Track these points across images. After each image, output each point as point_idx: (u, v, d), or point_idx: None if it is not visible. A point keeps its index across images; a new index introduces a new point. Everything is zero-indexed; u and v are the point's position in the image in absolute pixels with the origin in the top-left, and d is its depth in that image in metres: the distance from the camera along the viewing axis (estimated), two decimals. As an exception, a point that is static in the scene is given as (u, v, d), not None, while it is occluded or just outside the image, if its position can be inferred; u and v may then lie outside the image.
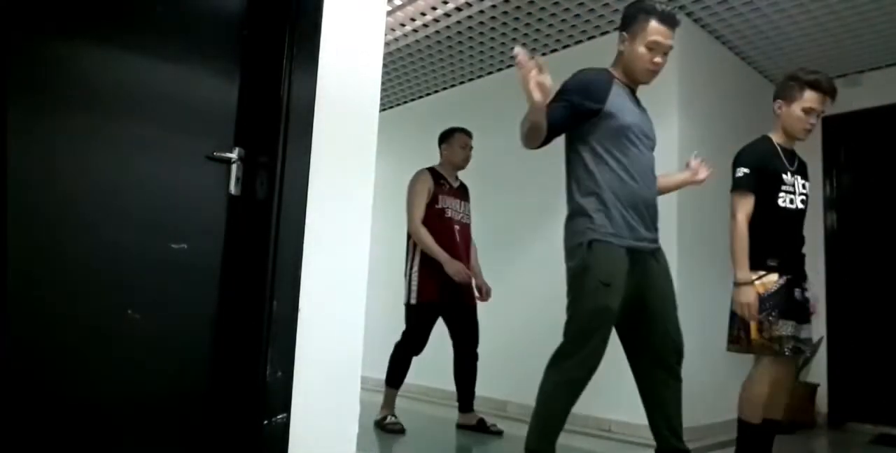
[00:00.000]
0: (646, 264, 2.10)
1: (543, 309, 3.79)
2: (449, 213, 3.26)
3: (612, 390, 3.25)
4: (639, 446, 3.02)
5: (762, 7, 3.28)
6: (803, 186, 2.43)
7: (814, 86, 2.36)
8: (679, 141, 3.35)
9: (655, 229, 2.17)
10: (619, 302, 2.00)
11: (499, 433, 3.13)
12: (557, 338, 3.63)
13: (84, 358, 1.24)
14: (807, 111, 2.36)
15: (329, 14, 1.55)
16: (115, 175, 1.29)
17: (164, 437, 1.35)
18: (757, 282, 2.28)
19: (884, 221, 3.93)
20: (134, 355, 1.30)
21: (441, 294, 3.12)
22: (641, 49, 2.10)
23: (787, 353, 2.29)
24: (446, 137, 3.41)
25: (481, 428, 3.17)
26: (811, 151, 4.18)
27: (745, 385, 2.39)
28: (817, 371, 3.96)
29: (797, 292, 2.33)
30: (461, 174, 3.46)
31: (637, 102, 2.20)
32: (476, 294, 3.28)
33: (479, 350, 3.28)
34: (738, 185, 2.35)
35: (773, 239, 2.33)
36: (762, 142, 2.45)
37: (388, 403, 3.20)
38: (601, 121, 2.06)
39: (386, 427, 3.07)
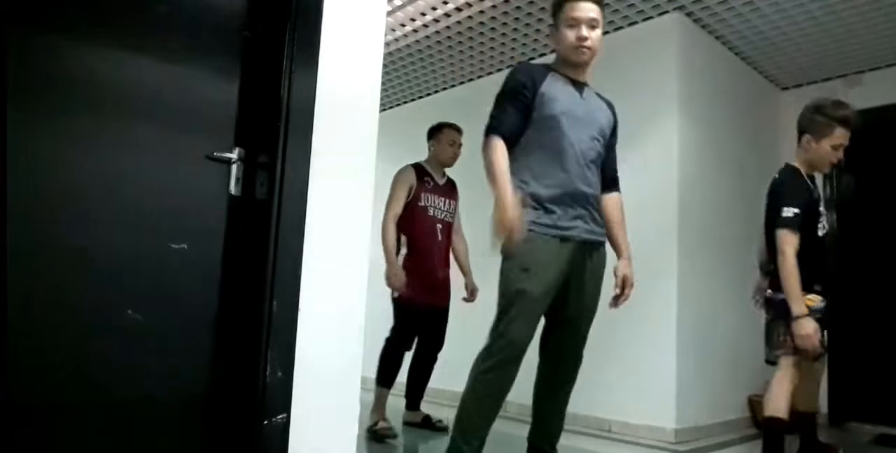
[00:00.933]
0: (578, 257, 2.03)
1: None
2: (431, 211, 3.17)
3: (613, 390, 3.25)
4: (639, 446, 3.02)
5: (762, 7, 3.28)
6: (823, 210, 2.57)
7: (844, 122, 2.37)
8: (679, 141, 3.35)
9: (594, 221, 2.08)
10: (542, 288, 1.96)
11: (444, 429, 3.09)
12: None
13: (84, 358, 1.24)
14: (836, 148, 2.39)
15: (329, 14, 1.55)
16: (115, 175, 1.29)
17: (164, 437, 1.35)
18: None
19: (884, 222, 3.93)
20: (134, 355, 1.30)
21: (416, 292, 3.06)
22: (565, 30, 2.09)
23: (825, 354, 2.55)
24: (434, 133, 3.32)
25: (427, 424, 3.20)
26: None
27: (771, 385, 2.46)
28: (822, 370, 3.95)
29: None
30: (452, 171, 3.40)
31: (580, 92, 2.12)
32: (467, 295, 3.29)
33: (476, 350, 3.28)
34: (788, 225, 2.34)
35: (817, 266, 2.46)
36: (798, 179, 2.44)
37: (380, 406, 2.99)
38: (534, 110, 2.05)
39: (378, 433, 2.78)
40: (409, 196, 3.14)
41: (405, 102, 5.12)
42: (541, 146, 2.04)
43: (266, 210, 1.43)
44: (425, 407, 3.36)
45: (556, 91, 2.06)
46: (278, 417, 1.38)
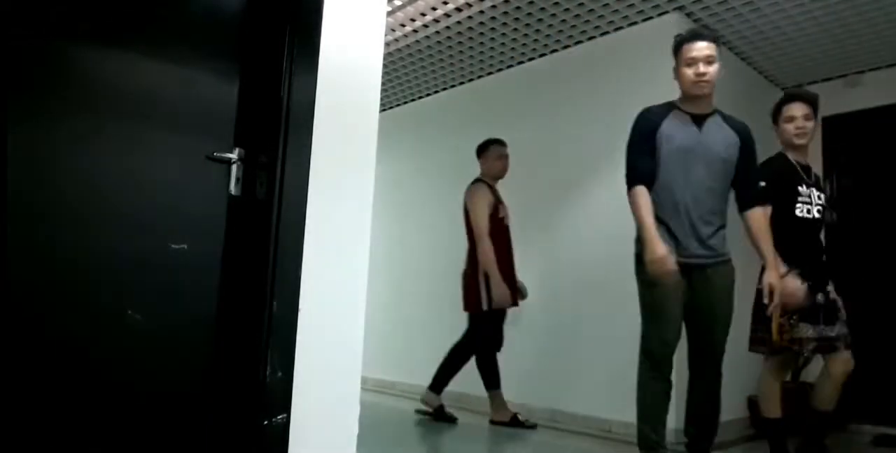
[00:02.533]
0: (696, 277, 2.33)
1: (546, 311, 3.79)
2: (506, 222, 3.47)
3: (612, 391, 3.25)
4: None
5: (763, 8, 3.28)
6: (819, 197, 2.64)
7: (786, 98, 2.71)
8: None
9: (705, 244, 2.33)
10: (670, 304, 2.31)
11: (533, 426, 3.30)
12: (559, 340, 3.63)
13: (84, 358, 1.24)
14: (789, 120, 2.66)
15: (329, 14, 1.55)
16: (115, 175, 1.29)
17: (165, 437, 1.35)
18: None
19: (884, 221, 3.93)
20: (134, 355, 1.30)
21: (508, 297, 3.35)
22: (683, 70, 2.37)
23: (805, 354, 2.57)
24: (482, 151, 3.56)
25: (516, 423, 3.33)
26: (811, 152, 4.18)
27: (759, 385, 2.66)
28: (817, 371, 3.95)
29: (819, 296, 2.51)
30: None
31: (699, 124, 2.38)
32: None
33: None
34: (758, 197, 2.49)
35: (793, 246, 2.52)
36: (776, 159, 2.69)
37: (502, 403, 3.38)
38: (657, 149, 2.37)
39: (524, 423, 3.29)
40: (490, 210, 3.41)
41: (405, 102, 5.12)
42: (664, 177, 2.36)
43: (266, 210, 1.43)
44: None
45: (673, 128, 2.37)
46: (278, 417, 1.38)
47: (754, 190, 2.45)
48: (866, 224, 4.02)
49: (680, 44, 2.39)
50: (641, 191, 2.32)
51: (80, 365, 1.24)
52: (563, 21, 3.59)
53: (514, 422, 3.30)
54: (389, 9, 3.50)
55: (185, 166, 1.40)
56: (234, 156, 1.44)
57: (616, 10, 3.44)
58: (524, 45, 3.95)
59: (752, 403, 3.68)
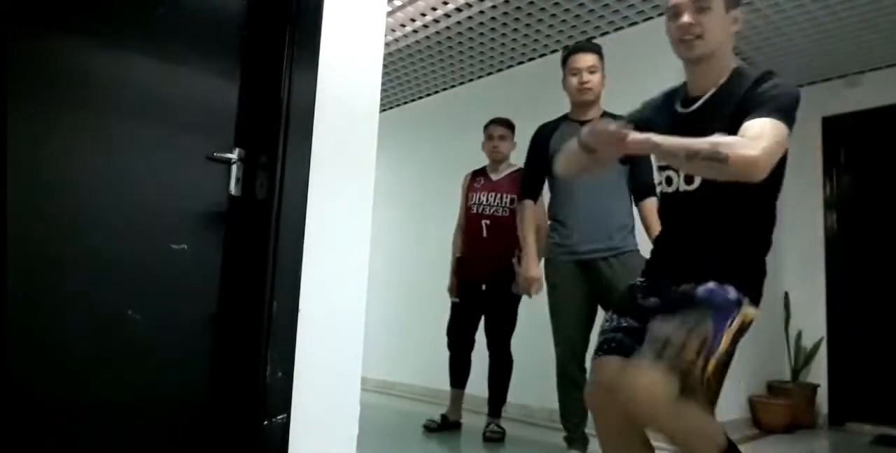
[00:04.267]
0: (595, 271, 2.46)
1: (542, 309, 3.79)
2: (475, 209, 3.27)
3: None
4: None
5: (762, 8, 3.29)
6: None
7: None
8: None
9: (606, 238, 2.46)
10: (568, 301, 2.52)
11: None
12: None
13: (84, 358, 1.24)
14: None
15: (329, 14, 1.55)
16: (115, 175, 1.29)
17: (165, 438, 1.35)
18: None
19: (884, 222, 3.92)
20: (134, 355, 1.30)
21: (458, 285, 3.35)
22: (568, 79, 2.60)
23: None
24: (484, 130, 3.42)
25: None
26: (811, 152, 4.19)
27: None
28: (817, 371, 3.96)
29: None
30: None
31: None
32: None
33: (480, 350, 3.29)
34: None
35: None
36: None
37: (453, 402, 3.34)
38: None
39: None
40: (463, 199, 3.38)
41: (405, 102, 5.12)
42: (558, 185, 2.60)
43: (266, 210, 1.43)
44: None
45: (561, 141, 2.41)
46: (278, 417, 1.38)
47: (643, 183, 2.52)
48: (866, 224, 4.02)
49: (566, 56, 2.64)
50: (526, 204, 2.69)
51: (79, 364, 1.24)
52: (563, 21, 3.59)
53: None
54: (389, 9, 3.50)
55: (185, 166, 1.39)
56: (234, 156, 1.44)
57: (616, 11, 3.44)
58: (524, 45, 3.95)
59: (752, 403, 3.69)
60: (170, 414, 1.36)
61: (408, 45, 4.06)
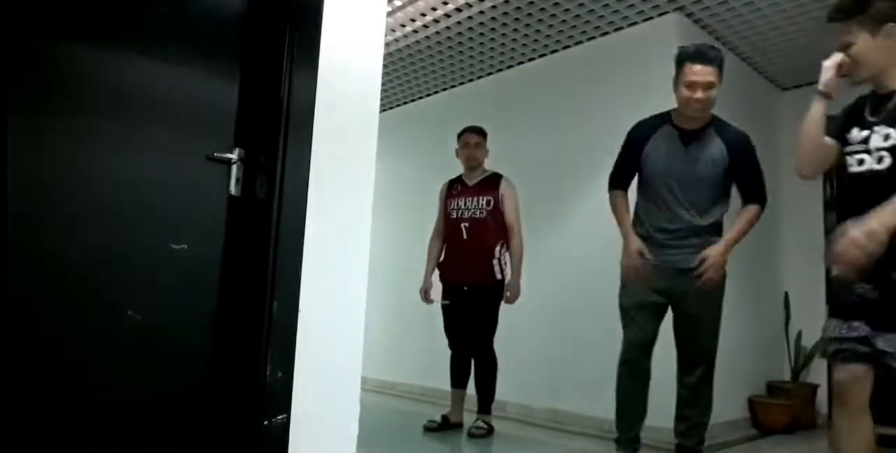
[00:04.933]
0: (675, 279, 2.44)
1: (546, 311, 3.79)
2: (455, 214, 3.39)
3: (612, 390, 3.25)
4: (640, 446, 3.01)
5: (763, 8, 3.29)
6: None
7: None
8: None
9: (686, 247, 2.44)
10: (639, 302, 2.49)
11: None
12: (559, 340, 3.62)
13: (84, 358, 1.24)
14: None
15: (329, 14, 1.55)
16: (116, 176, 1.29)
17: (165, 437, 1.35)
18: None
19: (884, 222, 3.92)
20: (134, 355, 1.30)
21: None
22: (681, 89, 2.39)
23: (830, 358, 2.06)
24: (458, 139, 3.53)
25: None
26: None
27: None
28: (817, 371, 3.96)
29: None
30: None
31: (687, 142, 2.47)
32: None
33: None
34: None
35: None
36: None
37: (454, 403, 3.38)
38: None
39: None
40: (441, 206, 3.50)
41: (405, 102, 5.12)
42: (643, 195, 2.57)
43: (266, 210, 1.43)
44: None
45: (658, 147, 2.51)
46: (278, 417, 1.38)
47: (748, 191, 2.51)
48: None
49: (683, 60, 2.39)
50: (617, 194, 2.62)
51: (79, 364, 1.24)
52: (563, 21, 3.59)
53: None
54: (389, 9, 3.50)
55: (185, 166, 1.40)
56: (234, 156, 1.44)
57: (616, 11, 3.44)
58: (524, 45, 3.95)
59: (752, 403, 3.69)
60: (170, 414, 1.36)
61: (408, 45, 4.06)
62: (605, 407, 2.75)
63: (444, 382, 3.42)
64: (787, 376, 3.94)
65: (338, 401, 1.51)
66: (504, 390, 3.43)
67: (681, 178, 2.44)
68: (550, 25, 3.65)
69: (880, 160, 1.77)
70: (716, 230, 2.47)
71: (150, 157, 1.34)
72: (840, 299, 1.90)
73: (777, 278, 4.13)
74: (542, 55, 4.06)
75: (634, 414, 2.50)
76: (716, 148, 2.45)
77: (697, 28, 3.55)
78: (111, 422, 1.27)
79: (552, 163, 3.90)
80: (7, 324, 1.14)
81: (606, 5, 3.39)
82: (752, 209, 2.48)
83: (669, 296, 2.46)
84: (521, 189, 3.47)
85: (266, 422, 1.37)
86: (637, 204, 2.59)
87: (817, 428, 3.78)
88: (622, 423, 2.51)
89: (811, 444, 3.47)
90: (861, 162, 1.83)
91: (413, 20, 3.73)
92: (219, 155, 1.43)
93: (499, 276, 3.25)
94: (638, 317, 2.47)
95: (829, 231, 4.13)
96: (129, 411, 1.29)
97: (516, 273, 3.26)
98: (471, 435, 3.09)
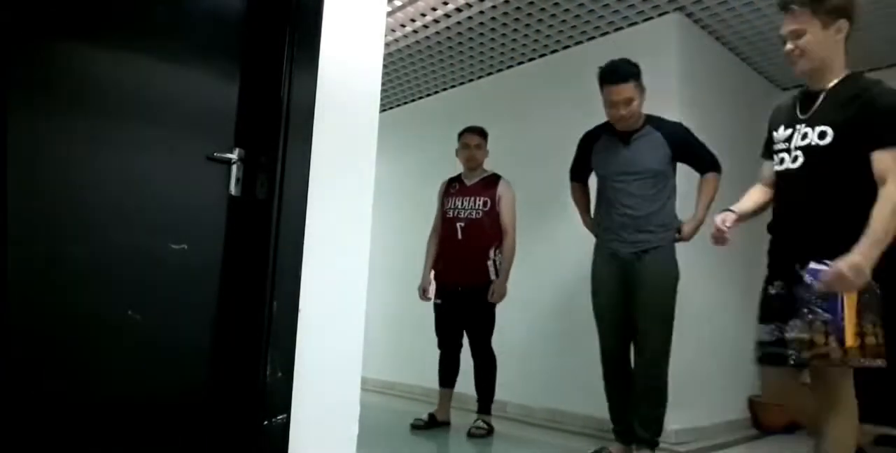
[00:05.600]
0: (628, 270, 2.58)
1: (546, 311, 3.79)
2: (451, 214, 3.39)
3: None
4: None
5: (763, 8, 3.28)
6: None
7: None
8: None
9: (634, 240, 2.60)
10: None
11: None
12: (558, 340, 3.62)
13: (84, 358, 1.24)
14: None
15: (329, 14, 1.55)
16: (116, 176, 1.29)
17: (165, 437, 1.35)
18: None
19: (884, 222, 3.92)
20: (134, 355, 1.30)
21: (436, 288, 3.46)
22: (607, 109, 2.63)
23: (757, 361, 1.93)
24: (458, 139, 3.54)
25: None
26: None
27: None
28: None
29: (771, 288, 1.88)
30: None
31: (628, 142, 2.65)
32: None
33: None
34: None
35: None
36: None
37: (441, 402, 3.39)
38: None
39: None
40: (439, 205, 3.51)
41: (405, 102, 5.12)
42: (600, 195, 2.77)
43: (266, 210, 1.43)
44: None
45: (601, 151, 2.75)
46: (278, 417, 1.38)
47: (702, 165, 2.70)
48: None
49: (600, 83, 2.61)
50: (575, 185, 2.94)
51: (79, 364, 1.24)
52: (563, 21, 3.59)
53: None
54: (389, 9, 3.50)
55: (185, 166, 1.40)
56: (234, 156, 1.44)
57: (616, 11, 3.44)
58: (524, 45, 3.95)
59: (752, 403, 3.69)
60: (170, 414, 1.36)
61: (408, 46, 4.06)
62: (604, 407, 2.75)
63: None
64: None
65: (338, 401, 1.52)
66: (504, 390, 3.43)
67: (624, 175, 2.61)
68: (550, 25, 3.65)
69: (795, 159, 1.80)
70: (663, 220, 2.60)
71: (150, 157, 1.34)
72: (762, 301, 1.90)
73: (777, 278, 4.13)
74: (542, 55, 4.06)
75: (619, 410, 2.65)
76: (656, 141, 2.62)
77: (697, 28, 3.55)
78: (111, 422, 1.27)
79: (552, 163, 3.90)
80: (7, 324, 1.14)
81: (606, 5, 3.39)
82: (711, 176, 2.67)
83: (624, 286, 2.58)
84: (521, 188, 3.48)
85: (266, 422, 1.37)
86: (595, 202, 2.82)
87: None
88: (613, 416, 2.70)
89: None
90: (782, 161, 1.86)
91: (413, 20, 3.73)
92: (219, 155, 1.43)
93: (493, 277, 3.24)
94: (603, 323, 2.65)
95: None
96: (129, 411, 1.29)
97: (504, 274, 3.25)
98: (471, 435, 3.09)
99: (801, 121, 1.83)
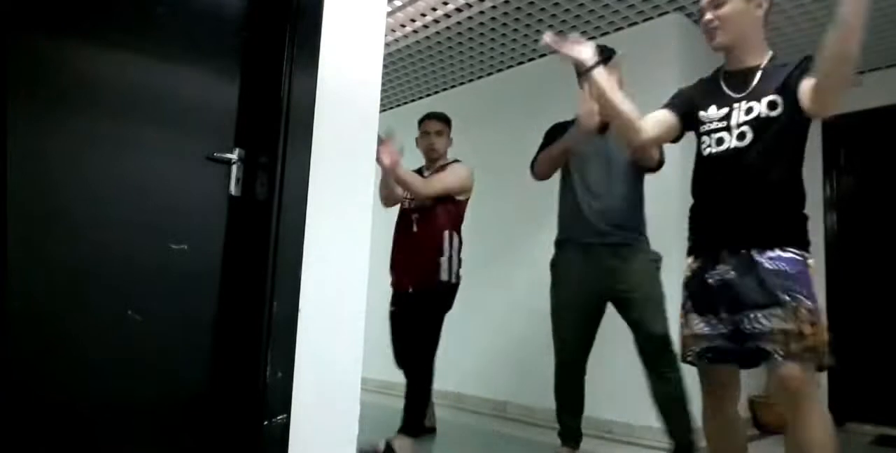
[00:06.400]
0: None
1: (545, 310, 3.79)
2: (407, 204, 3.07)
3: (614, 391, 3.25)
4: (640, 447, 3.02)
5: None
6: None
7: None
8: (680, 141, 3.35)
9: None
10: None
11: None
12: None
13: (84, 358, 1.24)
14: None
15: (329, 14, 1.55)
16: (116, 176, 1.29)
17: (165, 438, 1.35)
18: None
19: (884, 222, 3.93)
20: (134, 356, 1.30)
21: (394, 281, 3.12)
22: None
23: (688, 359, 1.78)
24: (418, 126, 3.26)
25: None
26: (811, 152, 4.17)
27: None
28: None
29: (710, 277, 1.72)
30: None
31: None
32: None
33: (480, 349, 3.27)
34: None
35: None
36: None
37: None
38: None
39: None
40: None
41: (405, 102, 5.12)
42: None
43: (266, 210, 1.43)
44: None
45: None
46: (278, 417, 1.38)
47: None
48: (866, 224, 4.02)
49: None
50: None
51: (79, 364, 1.24)
52: (563, 21, 3.59)
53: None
54: (389, 9, 3.50)
55: (185, 166, 1.39)
56: (234, 156, 1.44)
57: (616, 11, 3.44)
58: (524, 45, 3.95)
59: (752, 403, 3.69)
60: (170, 414, 1.35)
61: (408, 46, 4.06)
62: (605, 408, 2.76)
63: (443, 383, 3.42)
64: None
65: (338, 401, 1.51)
66: (504, 390, 3.43)
67: (605, 164, 2.61)
68: (550, 25, 3.65)
69: (742, 136, 1.70)
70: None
71: (151, 157, 1.34)
72: (695, 291, 1.73)
73: (777, 278, 4.13)
74: (542, 55, 4.06)
75: (573, 410, 2.64)
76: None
77: (697, 28, 3.54)
78: (111, 422, 1.27)
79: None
80: (7, 324, 1.14)
81: (606, 5, 3.39)
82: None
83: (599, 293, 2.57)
84: (521, 186, 3.47)
85: (266, 422, 1.37)
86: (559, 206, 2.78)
87: None
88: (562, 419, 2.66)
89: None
90: (720, 141, 1.74)
91: (413, 20, 3.73)
92: (219, 155, 1.43)
93: (444, 277, 2.87)
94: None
95: (829, 231, 4.13)
96: (129, 411, 1.29)
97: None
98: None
99: (739, 99, 1.74)
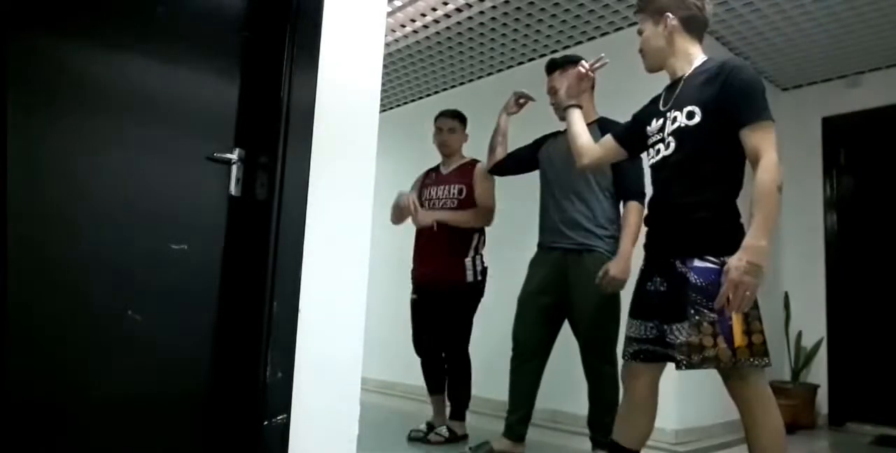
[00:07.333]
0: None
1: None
2: (427, 205, 3.14)
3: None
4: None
5: (762, 8, 3.29)
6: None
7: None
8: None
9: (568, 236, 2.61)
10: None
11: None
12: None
13: (84, 358, 1.24)
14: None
15: (329, 14, 1.55)
16: (116, 176, 1.29)
17: (165, 438, 1.35)
18: None
19: (884, 222, 3.93)
20: (134, 356, 1.30)
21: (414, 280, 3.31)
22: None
23: (624, 357, 1.86)
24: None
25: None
26: (811, 152, 4.19)
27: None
28: (817, 372, 3.96)
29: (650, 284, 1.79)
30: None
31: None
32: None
33: (480, 350, 3.27)
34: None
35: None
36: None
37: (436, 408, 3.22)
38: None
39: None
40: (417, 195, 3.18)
41: (405, 102, 5.12)
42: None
43: (266, 210, 1.43)
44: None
45: (550, 149, 2.83)
46: (278, 417, 1.38)
47: (627, 188, 2.54)
48: (866, 224, 4.02)
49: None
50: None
51: (79, 364, 1.24)
52: (563, 21, 3.59)
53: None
54: (389, 9, 3.50)
55: (185, 166, 1.40)
56: (234, 156, 1.44)
57: (616, 11, 3.44)
58: (524, 45, 3.95)
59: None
60: (170, 415, 1.36)
61: (408, 46, 4.06)
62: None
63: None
64: (787, 376, 3.94)
65: (338, 402, 1.51)
66: (504, 390, 3.42)
67: (561, 175, 2.66)
68: (550, 25, 3.65)
69: (668, 145, 1.78)
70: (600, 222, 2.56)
71: (151, 157, 1.34)
72: (637, 297, 1.84)
73: (777, 278, 4.13)
74: (543, 55, 4.05)
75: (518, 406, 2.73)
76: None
77: (697, 28, 3.54)
78: (111, 423, 1.27)
79: (552, 164, 3.90)
80: (7, 324, 1.14)
81: (606, 5, 3.39)
82: (633, 207, 2.47)
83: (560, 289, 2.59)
84: (520, 187, 3.47)
85: (266, 422, 1.37)
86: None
87: (817, 429, 3.78)
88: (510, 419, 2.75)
89: (811, 444, 3.47)
90: (658, 152, 1.84)
91: (413, 20, 3.73)
92: (219, 155, 1.43)
93: (470, 278, 2.98)
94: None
95: (829, 231, 4.13)
96: (129, 411, 1.29)
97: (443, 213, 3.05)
98: (427, 442, 2.94)
99: (668, 110, 1.81)
